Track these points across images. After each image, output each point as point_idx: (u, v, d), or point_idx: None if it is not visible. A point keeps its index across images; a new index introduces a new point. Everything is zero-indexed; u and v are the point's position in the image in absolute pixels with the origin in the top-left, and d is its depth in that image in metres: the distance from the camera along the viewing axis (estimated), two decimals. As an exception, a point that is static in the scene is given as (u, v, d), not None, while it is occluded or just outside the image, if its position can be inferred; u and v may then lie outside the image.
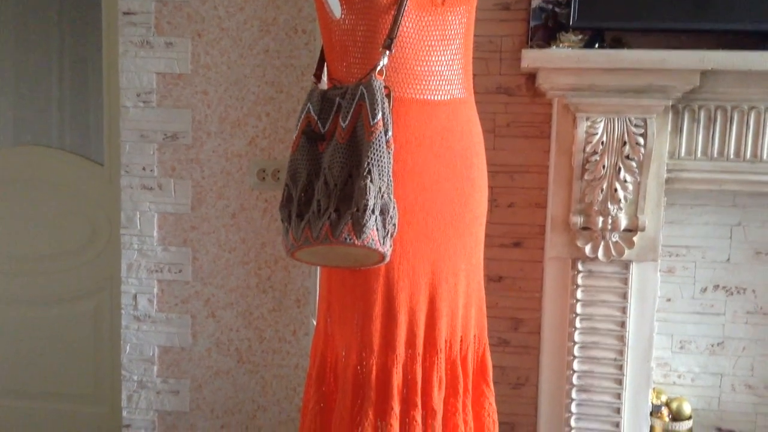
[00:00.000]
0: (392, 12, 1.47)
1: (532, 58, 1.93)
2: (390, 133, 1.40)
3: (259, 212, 2.34)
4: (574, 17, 1.98)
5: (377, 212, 1.38)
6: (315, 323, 2.13)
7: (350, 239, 1.37)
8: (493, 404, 1.68)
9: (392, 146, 1.41)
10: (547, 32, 2.11)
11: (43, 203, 2.61)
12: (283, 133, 2.30)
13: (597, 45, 1.99)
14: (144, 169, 2.36)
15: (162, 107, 2.34)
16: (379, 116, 1.39)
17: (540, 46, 2.04)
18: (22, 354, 2.68)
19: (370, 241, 1.37)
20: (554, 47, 1.99)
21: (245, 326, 2.39)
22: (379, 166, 1.38)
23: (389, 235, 1.41)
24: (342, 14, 1.51)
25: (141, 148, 2.36)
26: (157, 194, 2.37)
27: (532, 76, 2.16)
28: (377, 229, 1.38)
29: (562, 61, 1.90)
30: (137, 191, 2.37)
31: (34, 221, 2.62)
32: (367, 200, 1.36)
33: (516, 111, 2.21)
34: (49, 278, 2.64)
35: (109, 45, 2.46)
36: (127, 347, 2.44)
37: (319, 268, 2.08)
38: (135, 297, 2.42)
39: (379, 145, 1.38)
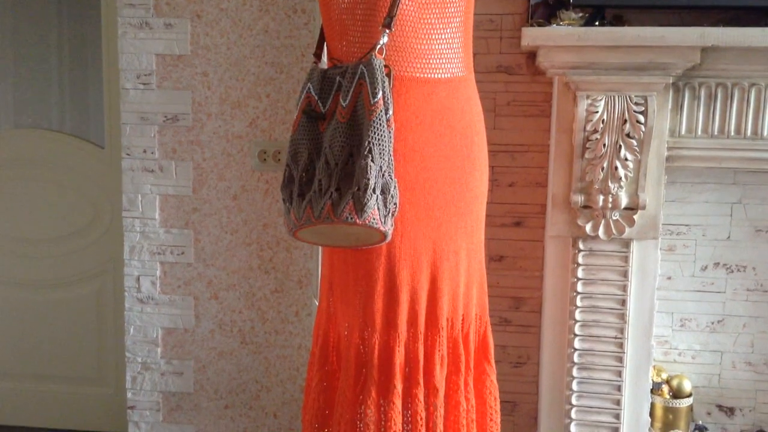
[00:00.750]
0: (392, -11, 1.46)
1: (532, 36, 1.92)
2: (390, 112, 1.40)
3: (261, 193, 2.35)
4: (574, -6, 1.97)
5: (378, 191, 1.38)
6: (317, 303, 2.14)
7: (351, 218, 1.37)
8: (495, 382, 1.69)
9: (393, 125, 1.41)
10: (547, 10, 2.10)
11: (44, 186, 2.61)
12: (283, 114, 2.30)
13: (597, 23, 1.98)
14: (145, 151, 2.36)
15: (162, 89, 2.33)
16: (380, 95, 1.38)
17: (540, 24, 2.03)
18: (25, 337, 2.70)
19: (372, 220, 1.38)
20: (554, 25, 1.98)
21: (248, 307, 2.41)
22: (379, 145, 1.38)
23: (390, 214, 1.42)
24: (341, -8, 1.51)
25: (141, 130, 2.36)
26: (159, 176, 2.37)
27: (532, 55, 2.16)
28: (378, 208, 1.38)
29: (562, 38, 1.89)
30: (138, 173, 2.38)
31: (36, 204, 2.63)
32: (368, 179, 1.36)
33: (516, 90, 2.20)
34: (51, 261, 2.65)
35: (108, 26, 2.46)
36: (131, 329, 2.45)
37: (320, 248, 2.09)
38: (138, 279, 2.43)
39: (380, 124, 1.38)
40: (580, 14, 2.00)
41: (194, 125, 2.34)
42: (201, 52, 2.31)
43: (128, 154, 2.37)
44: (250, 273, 2.39)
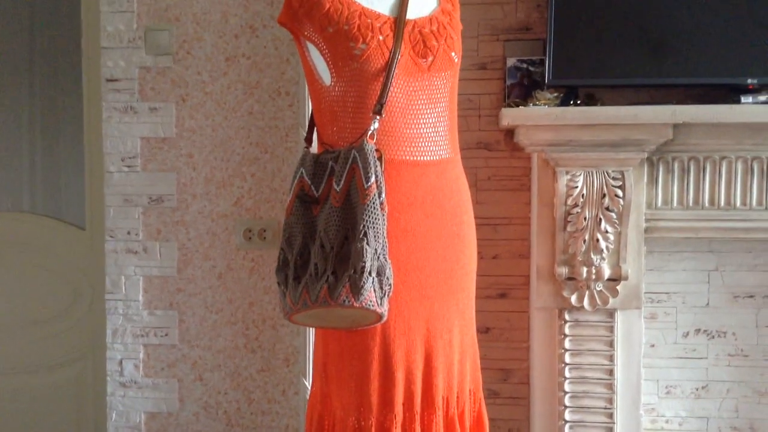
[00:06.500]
0: (381, 78, 1.52)
1: (511, 116, 2.00)
2: (383, 195, 1.43)
3: (246, 272, 2.35)
4: (548, 76, 2.06)
5: (374, 273, 1.40)
6: (305, 382, 2.13)
7: (348, 301, 1.38)
8: (490, 460, 1.68)
9: (386, 208, 1.45)
10: (522, 90, 2.19)
11: (22, 269, 2.57)
12: (268, 193, 2.33)
13: (572, 101, 2.07)
14: (129, 233, 2.36)
15: (147, 171, 2.35)
16: (373, 179, 1.42)
17: (517, 104, 2.12)
18: (2, 425, 2.60)
19: (368, 302, 1.39)
20: (531, 105, 2.06)
21: (233, 388, 2.37)
22: (374, 228, 1.41)
23: (386, 296, 1.43)
24: (332, 81, 1.56)
25: (125, 212, 2.36)
26: (143, 258, 2.37)
27: (510, 132, 2.23)
28: (374, 290, 1.40)
29: (540, 118, 1.97)
30: (122, 255, 2.37)
31: (14, 287, 2.58)
32: (364, 262, 1.38)
33: (496, 165, 2.27)
34: (29, 345, 2.59)
35: (90, 110, 2.48)
36: (113, 414, 2.40)
37: (311, 328, 2.09)
38: (121, 363, 2.38)
39: (374, 208, 1.41)
40: (555, 94, 2.08)
41: (179, 206, 2.35)
42: (186, 135, 2.34)
43: (112, 236, 2.37)
44: (235, 352, 2.37)
